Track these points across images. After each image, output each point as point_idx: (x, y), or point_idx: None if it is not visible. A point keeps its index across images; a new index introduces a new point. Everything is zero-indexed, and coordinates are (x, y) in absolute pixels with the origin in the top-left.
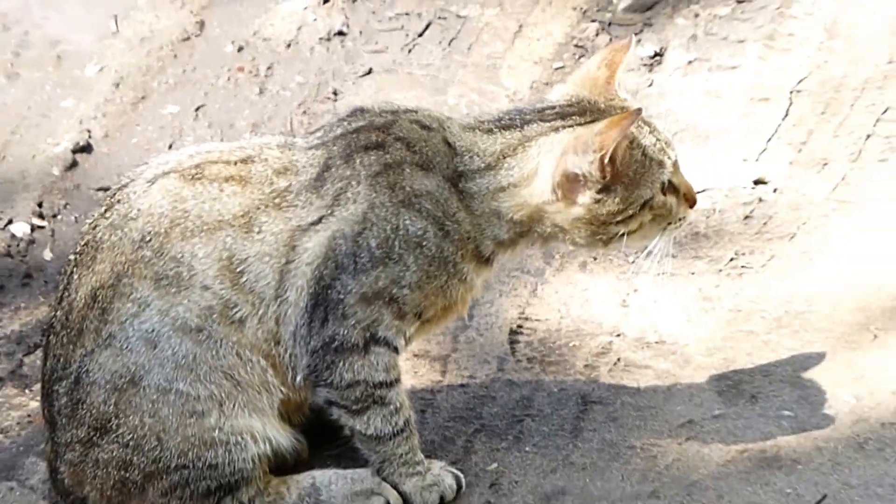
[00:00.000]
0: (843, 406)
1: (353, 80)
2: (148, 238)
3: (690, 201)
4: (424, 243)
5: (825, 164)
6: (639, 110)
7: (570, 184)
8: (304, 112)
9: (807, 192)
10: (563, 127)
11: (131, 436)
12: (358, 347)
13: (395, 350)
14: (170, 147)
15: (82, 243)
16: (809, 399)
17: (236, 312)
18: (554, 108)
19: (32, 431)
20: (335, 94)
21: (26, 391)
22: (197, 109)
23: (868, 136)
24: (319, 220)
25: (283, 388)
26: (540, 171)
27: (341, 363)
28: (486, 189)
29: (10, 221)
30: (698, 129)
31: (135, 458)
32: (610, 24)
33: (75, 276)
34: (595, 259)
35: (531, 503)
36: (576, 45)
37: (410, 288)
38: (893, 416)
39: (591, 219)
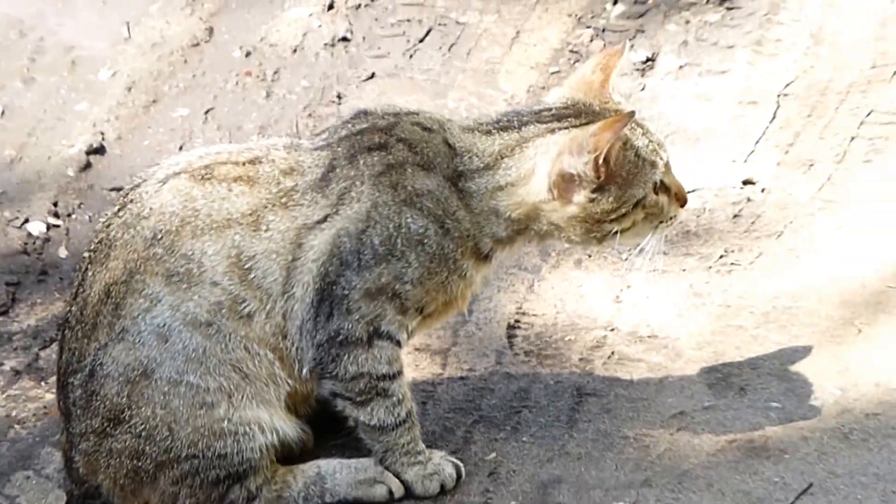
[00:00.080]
0: (829, 398)
1: (357, 85)
2: (159, 236)
3: (681, 200)
4: (426, 241)
5: (811, 165)
6: (632, 113)
7: (565, 183)
8: (310, 115)
9: (793, 192)
10: (559, 128)
11: (143, 426)
12: (362, 341)
13: (398, 344)
14: (180, 149)
15: (96, 241)
16: (796, 391)
17: (245, 308)
18: (550, 110)
19: (48, 422)
20: (339, 97)
21: (42, 384)
22: (206, 112)
23: (852, 138)
24: (325, 219)
25: (289, 381)
26: (537, 170)
27: (346, 356)
28: (485, 188)
29: (26, 220)
30: (689, 132)
31: (147, 448)
32: (604, 30)
33: (90, 273)
34: (590, 256)
35: (528, 491)
36: (571, 51)
37: (412, 284)
38: (877, 407)
39: (585, 217)
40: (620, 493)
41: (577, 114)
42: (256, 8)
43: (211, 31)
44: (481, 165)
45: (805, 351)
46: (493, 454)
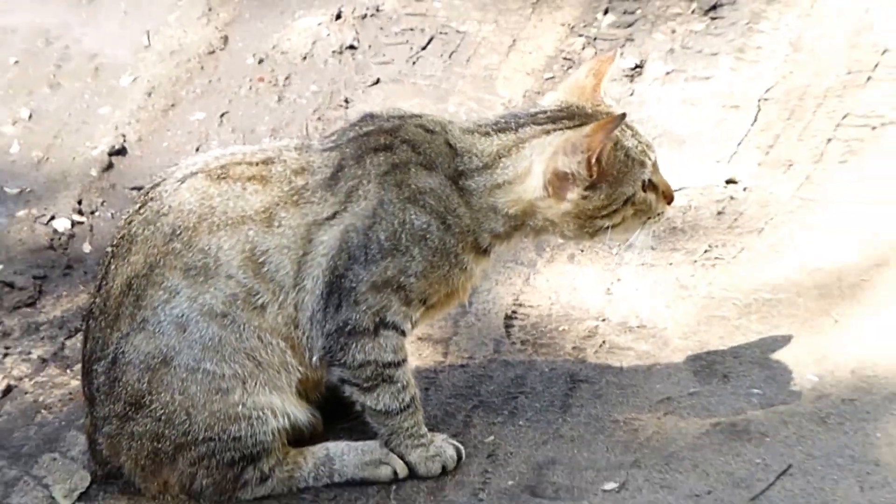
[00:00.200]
0: (807, 384)
1: (363, 90)
2: (178, 232)
3: (668, 198)
4: (428, 236)
5: (790, 166)
6: (623, 115)
7: (560, 181)
8: (319, 118)
9: (774, 191)
10: (554, 130)
11: (163, 411)
12: (369, 331)
13: (403, 333)
14: (197, 150)
15: (118, 237)
16: (776, 378)
17: (258, 299)
18: (545, 112)
19: (73, 407)
20: (347, 101)
21: (68, 371)
22: (221, 116)
23: (829, 140)
24: (333, 216)
25: (300, 368)
26: (533, 169)
27: (354, 345)
28: (484, 186)
29: (52, 217)
30: (675, 134)
31: (166, 431)
32: (595, 38)
33: (112, 267)
34: (582, 251)
35: (525, 472)
36: (564, 58)
37: (416, 277)
38: (853, 393)
39: (578, 213)
40: (611, 474)
41: (571, 116)
42: (268, 18)
43: (226, 39)
44: (480, 165)
45: (784, 340)
46: (492, 437)
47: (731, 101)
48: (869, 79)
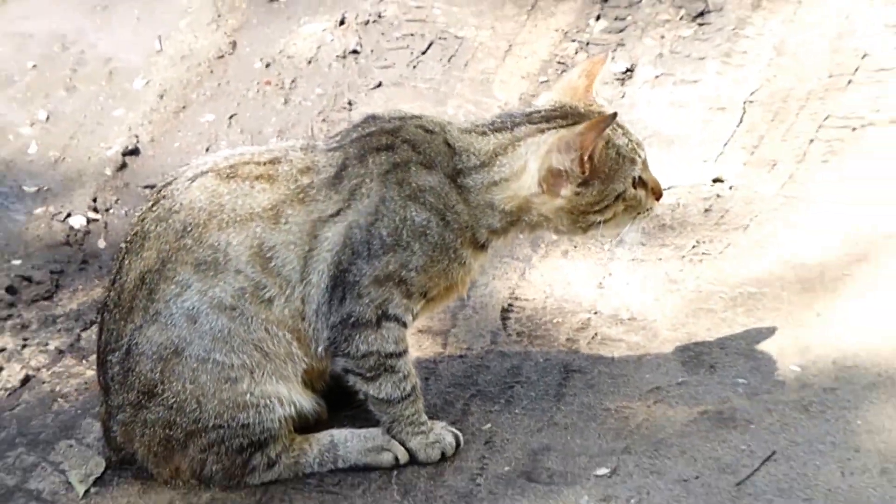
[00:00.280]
0: (790, 374)
1: (366, 92)
2: (189, 228)
3: (657, 194)
4: (428, 232)
5: (774, 165)
6: (614, 114)
7: (554, 178)
8: (324, 120)
9: (758, 189)
10: (548, 129)
11: (175, 399)
12: (371, 323)
13: (404, 325)
14: (207, 150)
15: (132, 233)
16: (760, 368)
17: (265, 293)
18: (540, 112)
19: (89, 396)
20: (350, 104)
21: (83, 361)
22: (230, 118)
23: (811, 141)
24: (338, 213)
25: (306, 359)
26: (528, 167)
27: (357, 336)
28: (481, 184)
29: (69, 214)
30: (664, 135)
31: (178, 419)
32: (588, 43)
33: (126, 262)
34: (575, 247)
35: (520, 458)
36: (558, 62)
37: (417, 271)
38: (834, 382)
39: (571, 209)
40: (603, 460)
41: (565, 115)
42: (275, 24)
43: (234, 44)
44: (478, 163)
45: (769, 332)
46: (489, 425)
47: (717, 103)
48: (850, 82)
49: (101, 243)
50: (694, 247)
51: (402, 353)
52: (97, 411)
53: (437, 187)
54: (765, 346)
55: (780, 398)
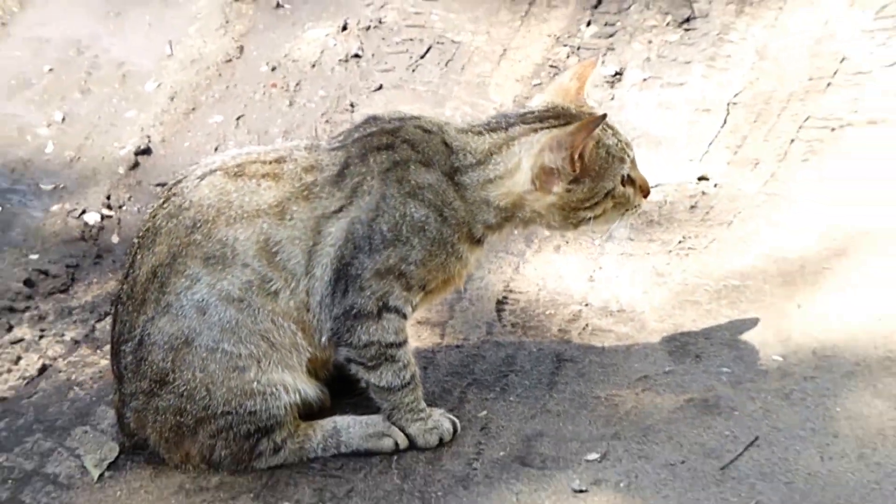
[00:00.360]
0: (772, 364)
1: (367, 95)
2: (198, 224)
3: (645, 192)
4: (427, 227)
5: (757, 164)
6: (604, 115)
7: (546, 176)
8: (327, 121)
9: (742, 187)
10: (541, 129)
11: (185, 387)
12: (373, 314)
13: (404, 316)
14: (215, 150)
15: (144, 229)
16: (744, 358)
17: (272, 286)
18: (533, 113)
19: (103, 385)
20: (352, 105)
21: (98, 351)
22: (238, 119)
23: (792, 141)
24: (340, 209)
25: (310, 348)
26: (521, 165)
27: (359, 327)
28: (477, 181)
29: (84, 211)
30: (652, 135)
31: (188, 406)
32: (579, 48)
33: (139, 256)
34: (567, 242)
35: (515, 443)
36: (550, 66)
37: (416, 265)
38: (814, 371)
39: (563, 205)
40: (593, 445)
41: (557, 116)
42: (281, 29)
43: (242, 49)
44: (474, 161)
45: (752, 323)
46: (485, 412)
47: (702, 105)
48: (829, 85)
49: (115, 239)
50: (680, 242)
51: (401, 344)
52: (111, 399)
53: (435, 185)
54: (748, 336)
55: (763, 386)
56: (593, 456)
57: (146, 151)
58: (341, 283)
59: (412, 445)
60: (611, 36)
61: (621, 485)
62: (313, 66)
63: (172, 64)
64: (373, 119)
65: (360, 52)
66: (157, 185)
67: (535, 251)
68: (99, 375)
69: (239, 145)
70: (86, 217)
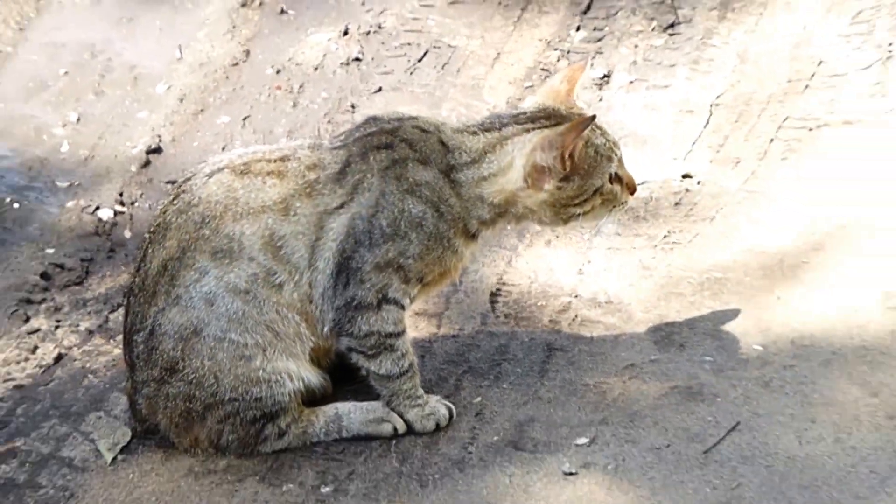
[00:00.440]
0: (753, 352)
1: (367, 96)
2: (207, 220)
3: (631, 189)
4: (424, 223)
5: (738, 162)
6: (593, 116)
7: (537, 174)
8: (329, 121)
9: (724, 184)
10: (533, 129)
11: (194, 375)
12: (373, 305)
13: (402, 307)
14: (223, 149)
15: (155, 224)
16: (726, 347)
17: (276, 278)
18: (525, 113)
19: (116, 372)
20: (353, 107)
21: (111, 341)
22: (244, 119)
23: (772, 140)
24: (342, 205)
25: (313, 338)
26: (514, 163)
27: (360, 318)
28: (472, 179)
29: (97, 207)
30: (638, 135)
31: (197, 393)
32: (569, 52)
33: (150, 251)
34: (557, 237)
35: (508, 428)
36: (542, 69)
37: (414, 258)
38: (792, 360)
39: (554, 202)
40: (582, 430)
41: (548, 117)
42: (285, 34)
43: (248, 53)
44: (469, 160)
45: (733, 314)
46: (479, 398)
47: (686, 106)
48: (806, 87)
49: (127, 234)
50: (665, 236)
51: (400, 333)
52: (124, 386)
53: (432, 182)
54: (729, 326)
55: (744, 374)
56: (582, 440)
57: (157, 150)
58: (343, 275)
59: (410, 430)
60: (599, 40)
61: (609, 468)
62: (316, 69)
63: (182, 67)
64: (373, 119)
65: (360, 56)
66: (168, 182)
67: (526, 245)
68: (112, 364)
69: (245, 144)
70: (99, 213)
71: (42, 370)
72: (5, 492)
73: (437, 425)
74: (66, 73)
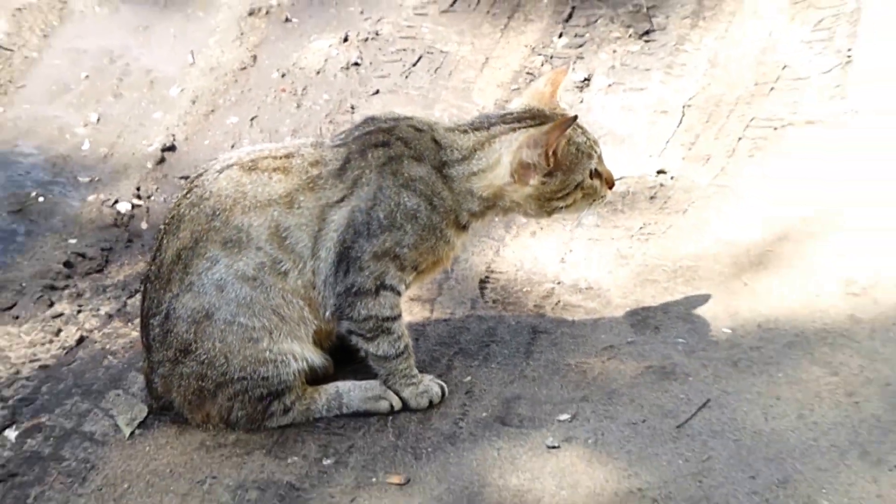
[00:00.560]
0: (722, 335)
1: (366, 98)
2: (217, 212)
3: (610, 184)
4: (418, 215)
5: (708, 159)
6: (575, 117)
7: (523, 170)
8: (330, 121)
9: (695, 180)
10: (519, 128)
11: (206, 356)
12: (371, 292)
13: (398, 294)
14: (232, 147)
15: (170, 217)
16: (697, 330)
17: (282, 266)
18: (512, 114)
19: (134, 353)
20: (352, 108)
21: (129, 324)
22: (252, 120)
23: (739, 139)
24: (342, 199)
25: (316, 322)
26: (502, 160)
27: (359, 303)
28: (463, 174)
29: (116, 201)
30: (616, 134)
31: (208, 372)
32: (552, 57)
33: (165, 241)
34: (542, 228)
35: (496, 405)
36: (527, 73)
37: (409, 248)
38: (759, 342)
39: (538, 196)
40: (565, 406)
41: (533, 117)
42: (289, 40)
43: (255, 58)
44: (460, 157)
45: (704, 299)
46: (469, 377)
47: (660, 107)
48: (772, 89)
49: (144, 225)
50: (641, 228)
51: (396, 317)
52: (141, 366)
53: (425, 177)
54: (700, 311)
55: (714, 355)
56: (565, 416)
57: (171, 148)
58: (343, 264)
59: (405, 407)
60: (580, 46)
61: (589, 441)
62: (318, 73)
63: (194, 71)
64: (371, 119)
65: (359, 61)
66: (181, 177)
67: (513, 236)
68: (130, 345)
69: (253, 143)
70: (118, 206)
71: (65, 351)
72: (31, 464)
73: (431, 402)
74: (87, 76)
